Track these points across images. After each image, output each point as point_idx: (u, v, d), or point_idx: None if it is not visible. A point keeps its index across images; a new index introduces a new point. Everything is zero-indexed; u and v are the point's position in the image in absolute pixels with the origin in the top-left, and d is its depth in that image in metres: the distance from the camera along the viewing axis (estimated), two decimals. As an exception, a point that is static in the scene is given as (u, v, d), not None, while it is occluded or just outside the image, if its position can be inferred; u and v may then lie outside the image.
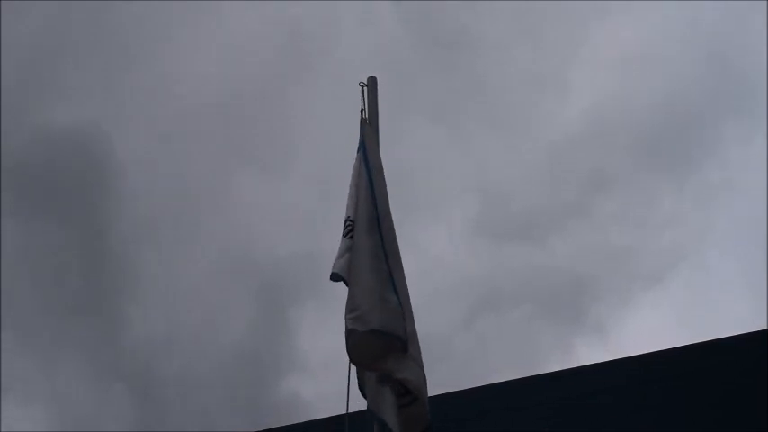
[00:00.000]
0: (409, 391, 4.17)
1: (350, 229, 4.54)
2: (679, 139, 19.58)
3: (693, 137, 19.71)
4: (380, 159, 4.90)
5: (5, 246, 16.38)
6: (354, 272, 4.35)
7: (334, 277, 4.42)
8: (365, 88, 5.48)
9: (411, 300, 4.44)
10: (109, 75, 19.40)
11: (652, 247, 19.00)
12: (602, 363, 7.45)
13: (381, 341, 4.16)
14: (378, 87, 5.51)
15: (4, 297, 15.46)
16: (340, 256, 4.48)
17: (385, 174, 4.95)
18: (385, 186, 4.78)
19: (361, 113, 5.17)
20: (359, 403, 4.32)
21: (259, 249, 18.99)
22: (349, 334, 4.14)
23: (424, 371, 4.27)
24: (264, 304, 17.91)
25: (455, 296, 18.59)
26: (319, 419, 8.32)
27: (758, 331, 7.25)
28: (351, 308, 4.20)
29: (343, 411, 4.26)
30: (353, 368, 4.35)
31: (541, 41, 20.67)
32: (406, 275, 4.48)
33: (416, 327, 4.38)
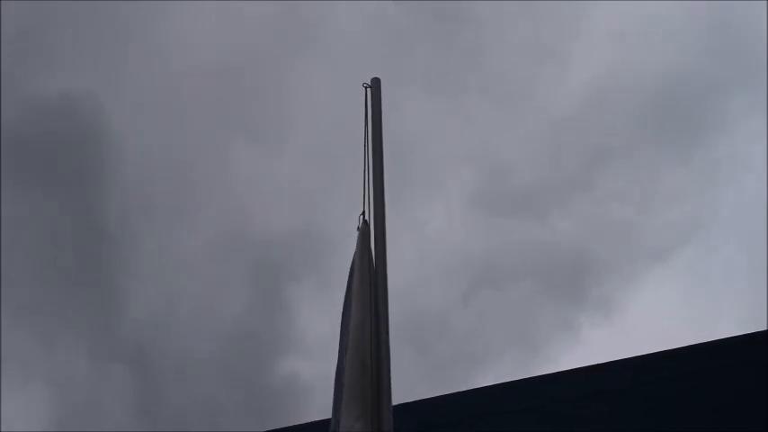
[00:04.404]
0: None
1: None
2: (684, 111, 19.42)
3: (699, 110, 19.53)
4: (371, 255, 4.39)
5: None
6: None
7: None
8: (368, 89, 5.38)
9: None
10: (105, 44, 19.20)
11: (656, 223, 18.96)
12: (596, 365, 7.39)
13: None
14: (381, 88, 5.40)
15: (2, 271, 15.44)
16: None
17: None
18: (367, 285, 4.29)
19: (359, 219, 4.55)
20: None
21: (256, 225, 18.95)
22: None
23: None
24: (262, 281, 17.90)
25: (453, 272, 18.58)
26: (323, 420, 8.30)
27: (758, 332, 7.24)
28: None
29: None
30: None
31: (542, 12, 20.42)
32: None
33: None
